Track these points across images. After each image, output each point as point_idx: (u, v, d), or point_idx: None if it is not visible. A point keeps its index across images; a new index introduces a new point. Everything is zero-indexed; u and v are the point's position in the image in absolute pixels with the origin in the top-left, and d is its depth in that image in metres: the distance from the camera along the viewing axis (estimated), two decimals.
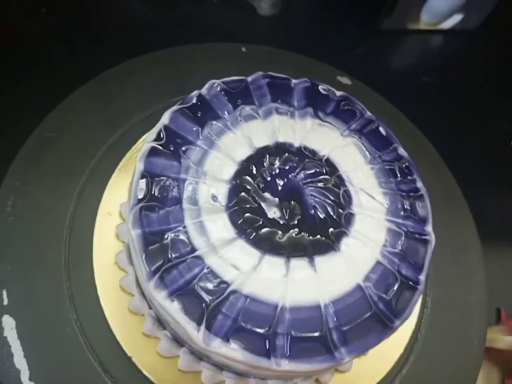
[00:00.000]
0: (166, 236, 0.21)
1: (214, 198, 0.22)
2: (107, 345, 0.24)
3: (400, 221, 0.24)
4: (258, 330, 0.20)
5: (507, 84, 0.49)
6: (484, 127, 0.46)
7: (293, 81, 0.27)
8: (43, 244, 0.26)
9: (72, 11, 0.35)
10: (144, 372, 0.24)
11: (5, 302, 0.25)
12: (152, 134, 0.23)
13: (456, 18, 0.48)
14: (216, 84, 0.25)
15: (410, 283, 0.22)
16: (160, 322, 0.24)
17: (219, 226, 0.22)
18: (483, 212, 0.35)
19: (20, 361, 0.24)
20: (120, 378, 0.24)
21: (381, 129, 0.26)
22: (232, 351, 0.19)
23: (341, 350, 0.20)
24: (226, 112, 0.25)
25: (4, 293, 0.25)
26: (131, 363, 0.24)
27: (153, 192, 0.22)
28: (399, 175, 0.25)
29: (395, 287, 0.22)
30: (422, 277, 0.23)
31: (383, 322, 0.21)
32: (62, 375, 0.24)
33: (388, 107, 0.35)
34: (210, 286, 0.20)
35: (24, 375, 0.23)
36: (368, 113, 0.27)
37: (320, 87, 0.27)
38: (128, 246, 0.25)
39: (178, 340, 0.23)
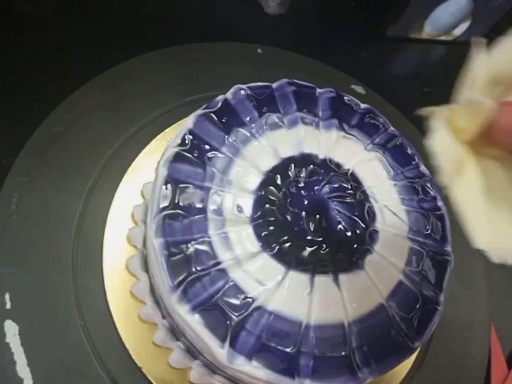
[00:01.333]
0: (189, 246, 0.20)
1: (239, 209, 0.22)
2: (116, 354, 0.23)
3: (421, 239, 0.24)
4: (283, 348, 0.19)
5: None
6: None
7: (318, 90, 0.26)
8: (50, 245, 0.25)
9: (86, 3, 0.33)
10: (154, 383, 0.23)
11: (8, 306, 0.23)
12: (176, 138, 0.22)
13: (460, 30, 0.48)
14: (241, 89, 0.24)
15: (431, 303, 0.22)
16: (174, 332, 0.23)
17: (243, 238, 0.21)
18: None
19: (23, 369, 0.22)
20: None
21: (404, 144, 0.26)
22: (256, 370, 0.19)
23: (364, 370, 0.20)
24: (250, 119, 0.24)
25: (7, 296, 0.24)
26: (141, 374, 0.23)
27: (177, 201, 0.21)
28: (421, 193, 0.25)
29: (417, 307, 0.22)
30: (442, 298, 0.23)
31: (404, 342, 0.21)
32: None
33: (402, 120, 0.35)
34: (234, 301, 0.20)
35: None
36: (391, 128, 0.26)
37: (345, 98, 0.26)
38: (142, 252, 0.24)
39: (192, 352, 0.23)
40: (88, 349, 0.23)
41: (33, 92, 0.29)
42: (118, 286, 0.24)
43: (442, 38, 0.49)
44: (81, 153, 0.27)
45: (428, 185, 0.25)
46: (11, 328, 0.23)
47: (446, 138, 0.15)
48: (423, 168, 0.26)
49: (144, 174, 0.27)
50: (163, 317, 0.23)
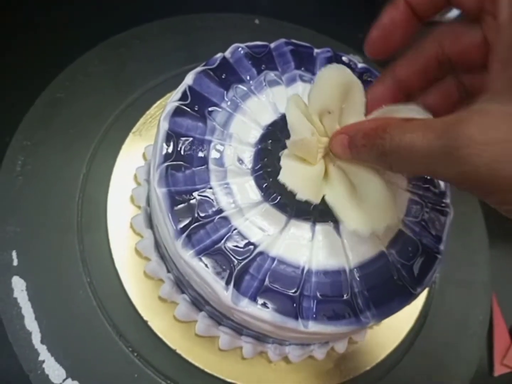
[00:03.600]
0: (192, 196, 0.21)
1: (240, 161, 0.22)
2: (122, 309, 0.24)
3: (421, 192, 0.24)
4: (286, 291, 0.20)
5: None
6: None
7: (316, 50, 0.26)
8: (55, 205, 0.25)
9: None
10: (161, 336, 0.24)
11: (15, 263, 0.24)
12: (176, 93, 0.23)
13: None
14: (240, 48, 0.25)
15: (431, 252, 0.22)
16: (179, 285, 0.23)
17: (246, 189, 0.21)
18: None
19: (31, 323, 0.23)
20: (136, 342, 0.23)
21: None
22: (260, 311, 0.19)
23: (367, 313, 0.20)
24: (249, 77, 0.24)
25: (14, 254, 0.24)
26: (147, 328, 0.24)
27: (179, 151, 0.21)
28: None
29: (417, 255, 0.22)
30: (442, 247, 0.23)
31: (405, 288, 0.21)
32: (75, 339, 0.23)
33: None
34: (237, 247, 0.20)
35: (36, 338, 0.23)
36: None
37: (343, 58, 0.26)
38: (146, 210, 0.25)
39: (198, 304, 0.23)
40: (94, 304, 0.24)
41: (36, 58, 0.29)
42: (123, 244, 0.25)
43: (443, 17, 0.49)
44: (83, 118, 0.28)
45: None
46: (19, 284, 0.23)
47: (293, 168, 0.20)
48: None
49: (145, 138, 0.27)
50: (168, 271, 0.23)
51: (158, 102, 0.29)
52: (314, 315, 0.20)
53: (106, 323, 0.24)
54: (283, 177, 0.19)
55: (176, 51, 0.32)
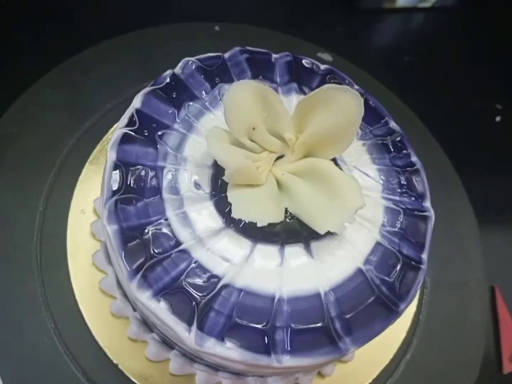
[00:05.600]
0: (146, 230, 0.19)
1: (197, 185, 0.20)
2: (91, 353, 0.22)
3: (397, 198, 0.22)
4: (255, 325, 0.18)
5: (488, 60, 0.48)
6: (467, 104, 0.45)
7: (274, 55, 0.25)
8: (11, 248, 0.24)
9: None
10: (133, 379, 0.22)
11: None
12: (123, 119, 0.21)
13: None
14: (190, 62, 0.23)
15: (413, 263, 0.21)
16: (147, 324, 0.22)
17: (205, 216, 0.20)
18: (474, 189, 0.34)
19: None
20: None
21: (370, 102, 0.24)
22: (228, 351, 0.18)
23: (346, 340, 0.19)
24: (203, 92, 0.23)
25: None
26: (118, 371, 0.22)
27: (128, 183, 0.20)
28: (392, 150, 0.24)
29: (398, 268, 0.21)
30: (424, 256, 0.21)
31: (387, 306, 0.20)
32: None
33: (372, 82, 0.34)
34: (199, 281, 0.18)
35: None
36: (356, 86, 0.25)
37: (303, 61, 0.25)
38: (106, 245, 0.23)
39: (168, 343, 0.22)
40: (61, 351, 0.22)
41: None
42: (86, 283, 0.23)
43: (418, 6, 0.47)
44: (37, 151, 0.26)
45: (400, 141, 0.24)
46: None
47: (243, 199, 0.19)
48: (393, 124, 0.24)
49: (103, 167, 0.26)
50: (134, 310, 0.22)
51: (114, 126, 0.27)
52: (289, 348, 0.18)
53: (75, 370, 0.22)
54: (236, 213, 0.18)
55: (132, 68, 0.31)
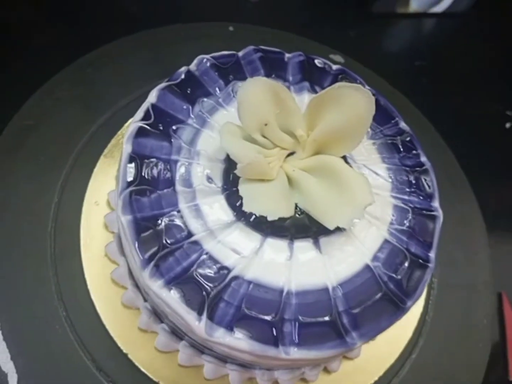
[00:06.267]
0: (159, 221, 0.19)
1: (209, 179, 0.21)
2: (101, 342, 0.23)
3: (406, 197, 0.23)
4: (264, 317, 0.19)
5: (498, 65, 0.48)
6: (477, 110, 0.45)
7: (287, 55, 0.25)
8: (27, 237, 0.24)
9: None
10: (142, 369, 0.22)
11: None
12: (139, 113, 0.21)
13: (447, 1, 0.47)
14: (205, 59, 0.23)
15: (420, 261, 0.21)
16: (157, 315, 0.22)
17: (216, 209, 0.20)
18: (483, 193, 0.34)
19: (6, 364, 0.22)
20: (116, 376, 0.22)
21: (381, 102, 0.25)
22: (237, 341, 0.18)
23: (353, 334, 0.19)
24: (217, 89, 0.23)
25: None
26: (127, 360, 0.23)
27: (143, 175, 0.20)
28: (402, 150, 0.24)
29: (405, 266, 0.21)
30: (432, 255, 0.21)
31: (394, 303, 0.20)
32: (53, 377, 0.22)
33: (383, 84, 0.34)
34: (210, 272, 0.19)
35: (12, 379, 0.22)
36: (367, 86, 0.25)
37: (316, 61, 0.25)
38: (119, 236, 0.24)
39: (177, 333, 0.22)
40: (72, 339, 0.23)
41: (2, 87, 0.28)
42: (98, 274, 0.24)
43: (430, 11, 0.47)
44: (53, 144, 0.27)
45: (410, 141, 0.24)
46: None
47: (254, 193, 0.19)
48: (403, 125, 0.25)
49: (117, 160, 0.26)
50: (145, 300, 0.22)
51: (129, 121, 0.28)
52: (296, 341, 0.18)
53: (85, 358, 0.23)
54: (247, 206, 0.19)
55: (146, 66, 0.31)
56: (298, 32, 0.36)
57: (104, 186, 0.25)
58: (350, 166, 0.23)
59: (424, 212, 0.22)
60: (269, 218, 0.19)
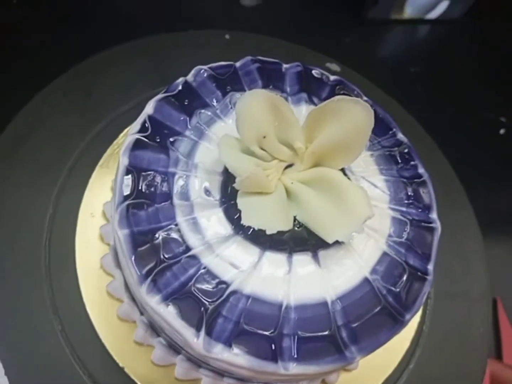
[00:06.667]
0: (157, 235, 0.19)
1: (207, 192, 0.21)
2: (97, 355, 0.23)
3: (404, 209, 0.22)
4: (263, 332, 0.18)
5: (493, 73, 0.48)
6: (472, 116, 0.46)
7: (284, 65, 0.25)
8: (21, 249, 0.24)
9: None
10: (138, 382, 0.22)
11: None
12: (135, 125, 0.21)
13: (441, 8, 0.47)
14: (202, 70, 0.23)
15: (419, 273, 0.21)
16: (154, 328, 0.22)
17: (214, 222, 0.20)
18: (478, 199, 0.35)
19: (0, 378, 0.22)
20: None
21: (379, 113, 0.25)
22: (236, 357, 0.18)
23: (352, 348, 0.19)
24: (214, 100, 0.23)
25: None
26: (124, 374, 0.22)
27: (140, 188, 0.20)
28: (400, 161, 0.24)
29: (404, 278, 0.21)
30: (430, 267, 0.22)
31: (393, 316, 0.20)
32: None
33: (379, 94, 0.34)
34: (208, 287, 0.19)
35: None
36: (364, 98, 0.25)
37: (313, 72, 0.25)
38: (115, 249, 0.23)
39: (174, 347, 0.22)
40: (67, 353, 0.23)
41: None
42: (94, 287, 0.24)
43: (425, 17, 0.48)
44: (48, 154, 0.27)
45: (408, 153, 0.24)
46: None
47: (253, 206, 0.19)
48: (400, 136, 0.25)
49: (113, 170, 0.26)
50: (141, 314, 0.22)
51: (125, 130, 0.28)
52: (295, 356, 0.18)
53: (81, 372, 0.22)
54: (246, 220, 0.19)
55: (144, 74, 0.31)
56: (293, 38, 0.36)
57: (100, 197, 0.25)
58: (349, 178, 0.22)
59: (422, 224, 0.22)
60: (268, 232, 0.18)
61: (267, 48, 0.35)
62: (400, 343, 0.27)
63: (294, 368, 0.18)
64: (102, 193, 0.25)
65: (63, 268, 0.24)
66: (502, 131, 0.45)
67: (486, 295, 0.30)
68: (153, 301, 0.18)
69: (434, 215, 0.23)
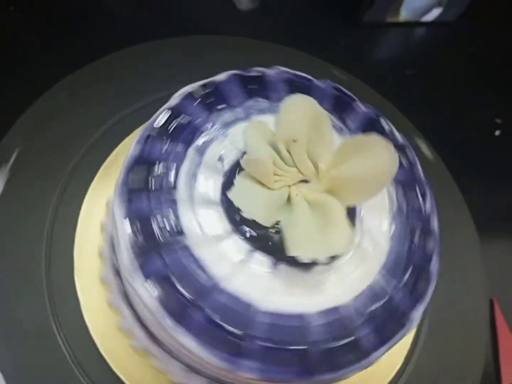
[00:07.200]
0: (154, 224, 0.20)
1: (210, 190, 0.21)
2: (96, 365, 0.24)
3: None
4: (231, 329, 0.19)
5: (488, 74, 0.48)
6: (467, 118, 0.46)
7: (315, 82, 0.25)
8: (21, 257, 0.25)
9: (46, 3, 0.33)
10: None
11: None
12: (155, 116, 0.22)
13: (436, 11, 0.47)
14: (232, 73, 0.23)
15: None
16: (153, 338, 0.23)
17: (213, 219, 0.20)
18: (474, 200, 0.35)
19: None
20: None
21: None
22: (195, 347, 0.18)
23: (320, 367, 0.19)
24: (238, 102, 0.23)
25: None
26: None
27: (143, 178, 0.20)
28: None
29: (381, 304, 0.21)
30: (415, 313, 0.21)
31: (363, 346, 0.20)
32: None
33: (387, 105, 0.34)
34: (192, 278, 0.19)
35: None
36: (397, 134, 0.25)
37: (344, 93, 0.25)
38: (111, 259, 0.24)
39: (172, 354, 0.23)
40: (69, 362, 0.24)
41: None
42: (93, 297, 0.25)
43: (420, 20, 0.47)
44: (45, 163, 0.27)
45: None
46: None
47: (246, 188, 0.19)
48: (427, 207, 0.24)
49: (109, 184, 0.26)
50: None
51: (127, 139, 0.28)
52: (258, 359, 0.18)
53: (81, 378, 0.23)
54: (232, 195, 0.19)
55: (147, 78, 0.31)
56: (287, 41, 0.37)
57: (98, 209, 0.26)
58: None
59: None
60: (244, 214, 0.19)
61: (265, 54, 0.35)
62: (397, 348, 0.26)
63: (251, 372, 0.18)
64: (100, 206, 0.26)
65: (62, 280, 0.25)
66: (497, 133, 0.45)
67: (483, 297, 0.30)
68: (139, 282, 0.19)
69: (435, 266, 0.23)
